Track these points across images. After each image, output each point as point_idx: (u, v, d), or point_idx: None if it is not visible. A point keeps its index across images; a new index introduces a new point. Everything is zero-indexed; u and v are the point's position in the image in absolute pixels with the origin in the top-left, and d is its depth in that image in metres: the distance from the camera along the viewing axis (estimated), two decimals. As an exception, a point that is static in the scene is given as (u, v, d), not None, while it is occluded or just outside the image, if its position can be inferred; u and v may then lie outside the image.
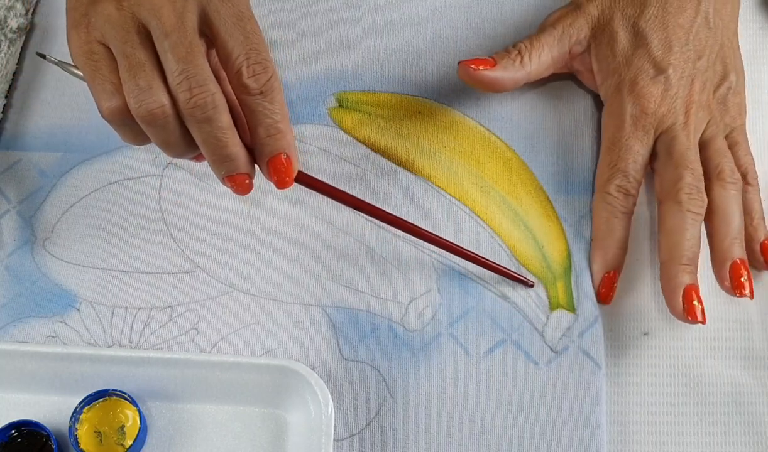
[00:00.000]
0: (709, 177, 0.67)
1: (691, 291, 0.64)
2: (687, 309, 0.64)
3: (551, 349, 0.66)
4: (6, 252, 0.69)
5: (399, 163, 0.71)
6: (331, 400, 0.61)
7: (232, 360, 0.63)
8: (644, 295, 0.68)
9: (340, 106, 0.73)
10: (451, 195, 0.70)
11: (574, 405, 0.64)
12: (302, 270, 0.68)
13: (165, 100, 0.57)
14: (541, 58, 0.71)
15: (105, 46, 0.58)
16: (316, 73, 0.75)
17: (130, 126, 0.60)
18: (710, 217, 0.67)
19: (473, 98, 0.74)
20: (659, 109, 0.68)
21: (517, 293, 0.67)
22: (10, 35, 0.74)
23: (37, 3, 0.78)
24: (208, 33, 0.59)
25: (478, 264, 0.67)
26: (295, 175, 0.62)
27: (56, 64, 0.65)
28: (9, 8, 0.74)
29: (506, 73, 0.70)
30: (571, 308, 0.67)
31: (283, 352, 0.66)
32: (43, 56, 0.67)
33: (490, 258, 0.67)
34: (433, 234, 0.66)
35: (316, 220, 0.70)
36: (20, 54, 0.76)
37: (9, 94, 0.74)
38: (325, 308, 0.67)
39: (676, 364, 0.66)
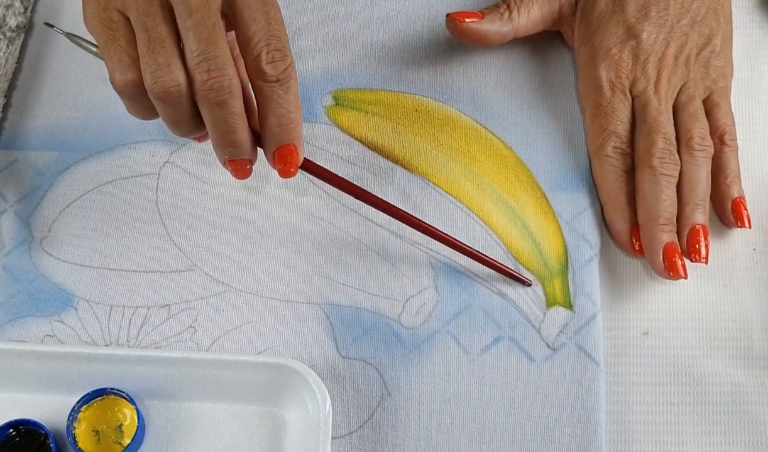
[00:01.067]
0: (680, 142, 0.68)
1: (671, 249, 0.66)
2: (669, 266, 0.65)
3: (548, 346, 0.66)
4: (3, 251, 0.69)
5: (396, 161, 0.71)
6: (328, 398, 0.61)
7: (230, 358, 0.63)
8: (644, 295, 0.68)
9: (337, 104, 0.74)
10: (448, 193, 0.70)
11: (571, 401, 0.64)
12: (299, 268, 0.68)
13: (182, 79, 0.57)
14: (530, 15, 0.72)
15: (124, 15, 0.58)
16: (313, 71, 0.75)
17: (141, 100, 0.59)
18: (678, 182, 0.68)
19: (470, 96, 0.74)
20: (632, 73, 0.69)
21: (514, 290, 0.67)
22: (9, 34, 0.74)
23: (36, 1, 0.78)
24: (229, 14, 0.59)
25: (478, 261, 0.67)
26: (300, 164, 0.62)
27: (65, 35, 0.65)
28: (8, 6, 0.75)
29: (493, 26, 0.71)
30: (568, 305, 0.67)
31: (281, 350, 0.66)
32: (51, 26, 0.66)
33: (489, 256, 0.67)
34: (432, 227, 0.66)
35: (314, 218, 0.70)
36: (19, 53, 0.76)
37: (8, 93, 0.74)
38: (322, 306, 0.67)
39: (676, 364, 0.66)
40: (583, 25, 0.71)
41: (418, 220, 0.66)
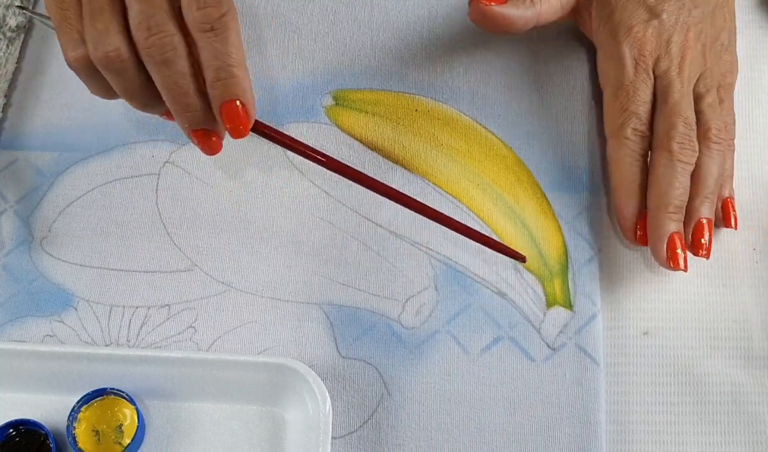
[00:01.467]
0: (697, 132, 0.68)
1: (675, 239, 0.65)
2: (670, 256, 0.65)
3: (548, 346, 0.66)
4: (3, 251, 0.69)
5: (396, 161, 0.71)
6: (328, 398, 0.61)
7: (230, 358, 0.63)
8: (644, 295, 0.68)
9: (337, 104, 0.74)
10: (447, 193, 0.70)
11: (571, 401, 0.64)
12: (299, 268, 0.68)
13: (120, 43, 0.56)
14: (551, 0, 0.71)
15: None
16: (313, 71, 0.75)
17: (95, 76, 0.59)
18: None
19: (470, 96, 0.74)
20: (655, 52, 0.68)
21: (514, 290, 0.67)
22: (9, 34, 0.74)
23: (35, 1, 0.78)
24: None
25: (473, 238, 0.66)
26: (251, 124, 0.60)
27: (32, 14, 0.65)
28: (8, 6, 0.75)
29: (517, 11, 0.69)
30: (568, 305, 0.67)
31: (281, 350, 0.66)
32: (22, 8, 0.66)
33: (482, 232, 0.67)
34: (418, 202, 0.65)
35: (314, 218, 0.70)
36: (19, 53, 0.76)
37: (8, 93, 0.74)
38: (322, 306, 0.67)
39: (676, 364, 0.66)
40: (600, 5, 0.71)
41: (396, 191, 0.65)
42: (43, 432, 0.62)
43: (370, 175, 0.68)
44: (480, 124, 0.73)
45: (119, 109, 0.74)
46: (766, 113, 0.74)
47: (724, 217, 0.68)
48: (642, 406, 0.65)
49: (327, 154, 0.64)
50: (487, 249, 0.68)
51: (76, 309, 0.67)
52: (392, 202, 0.68)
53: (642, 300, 0.68)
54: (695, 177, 0.67)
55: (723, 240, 0.69)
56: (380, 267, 0.68)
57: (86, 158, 0.72)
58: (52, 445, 0.62)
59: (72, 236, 0.69)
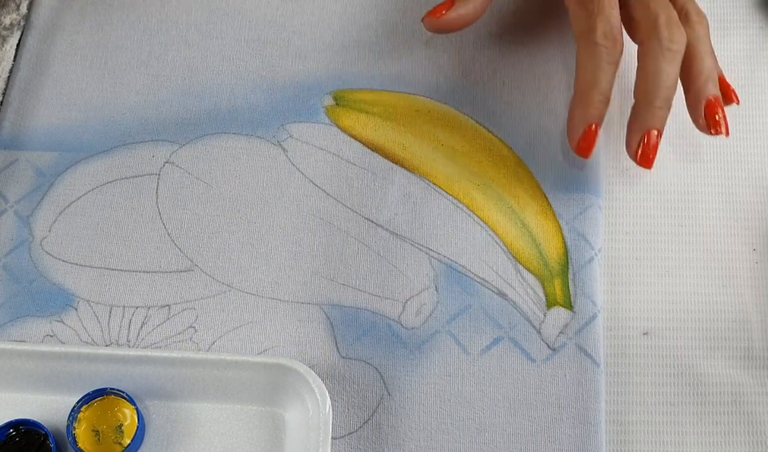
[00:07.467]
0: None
1: (651, 136, 0.65)
2: (642, 153, 0.66)
3: (548, 346, 0.66)
4: (3, 251, 0.69)
5: (396, 162, 0.71)
6: (328, 398, 0.61)
7: (230, 358, 0.63)
8: (644, 295, 0.68)
9: (337, 104, 0.74)
10: (448, 193, 0.70)
11: (571, 402, 0.64)
12: (300, 268, 0.68)
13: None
14: None
15: None
16: (314, 71, 0.75)
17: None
18: (683, 61, 0.66)
19: (471, 96, 0.74)
20: None
21: (514, 290, 0.67)
22: (3, 32, 0.74)
23: (31, 0, 0.78)
24: None
25: None
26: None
27: None
28: (2, 5, 0.75)
29: (467, 6, 0.70)
30: (569, 306, 0.67)
31: (281, 350, 0.66)
32: None
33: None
34: None
35: (314, 219, 0.70)
36: (16, 51, 0.76)
37: (5, 92, 0.74)
38: (322, 306, 0.67)
39: (676, 364, 0.66)
40: None
41: None
42: (43, 432, 0.62)
43: (371, 175, 0.69)
44: (481, 125, 0.73)
45: (119, 108, 0.74)
46: (766, 113, 0.74)
47: (725, 96, 0.68)
48: (642, 406, 0.65)
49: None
50: (486, 249, 0.68)
51: (76, 309, 0.67)
52: (392, 202, 0.69)
53: (642, 300, 0.68)
54: (690, 60, 0.66)
55: (723, 241, 0.69)
56: (380, 268, 0.68)
57: (86, 158, 0.72)
58: (52, 445, 0.62)
59: (72, 236, 0.69)
